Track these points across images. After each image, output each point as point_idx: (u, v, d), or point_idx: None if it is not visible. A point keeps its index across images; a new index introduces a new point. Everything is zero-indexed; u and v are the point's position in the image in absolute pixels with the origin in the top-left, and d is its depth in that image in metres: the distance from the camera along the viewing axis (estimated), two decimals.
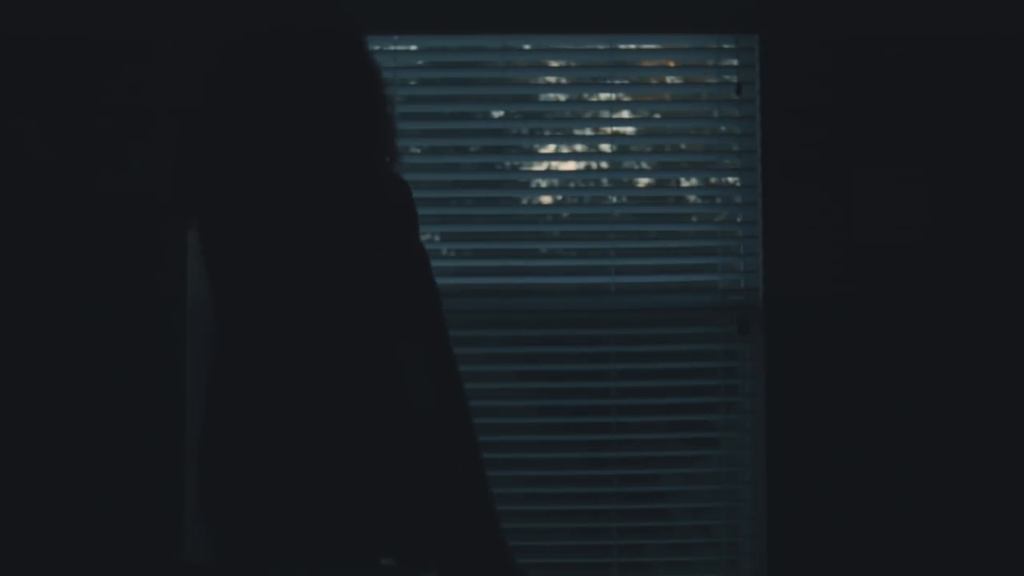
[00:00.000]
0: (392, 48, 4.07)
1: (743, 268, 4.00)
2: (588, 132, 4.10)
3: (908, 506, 3.80)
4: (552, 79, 4.16)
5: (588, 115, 4.15)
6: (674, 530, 4.02)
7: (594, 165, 4.15)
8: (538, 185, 4.16)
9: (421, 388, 2.19)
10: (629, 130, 4.15)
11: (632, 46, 4.12)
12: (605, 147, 4.08)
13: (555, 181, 4.16)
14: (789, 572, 3.82)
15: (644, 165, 4.21)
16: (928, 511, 3.80)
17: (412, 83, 4.11)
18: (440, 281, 2.42)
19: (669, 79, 4.15)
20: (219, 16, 3.95)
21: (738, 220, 4.03)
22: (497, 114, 4.08)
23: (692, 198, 4.16)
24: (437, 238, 4.00)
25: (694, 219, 4.16)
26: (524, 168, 4.16)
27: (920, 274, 3.86)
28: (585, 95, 4.14)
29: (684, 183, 4.15)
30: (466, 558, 2.19)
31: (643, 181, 4.14)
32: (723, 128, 4.06)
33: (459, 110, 4.05)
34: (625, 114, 4.15)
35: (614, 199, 4.01)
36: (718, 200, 4.10)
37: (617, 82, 4.10)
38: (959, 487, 3.80)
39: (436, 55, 4.15)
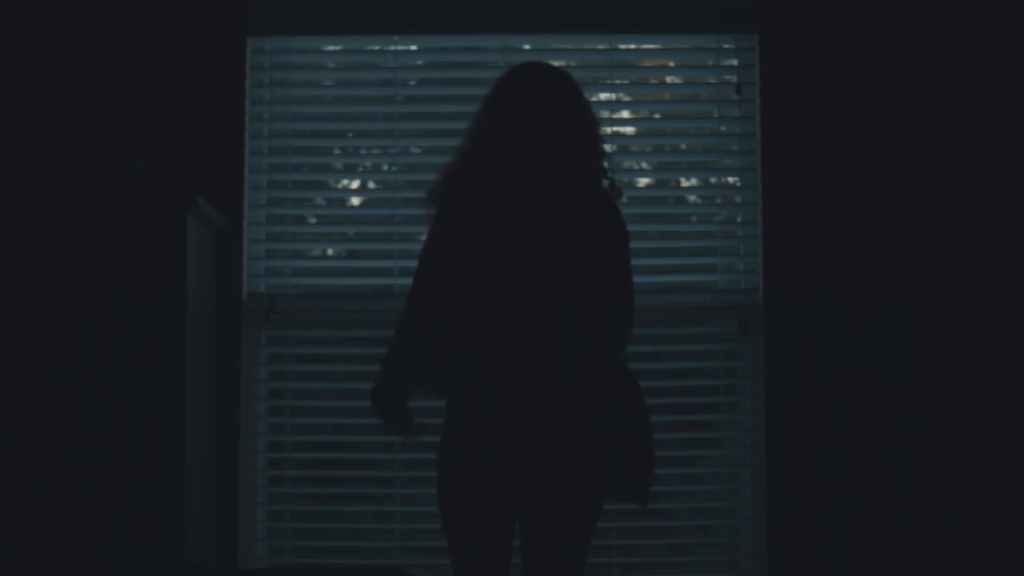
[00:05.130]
0: (392, 48, 4.07)
1: (743, 268, 4.00)
2: None
3: (907, 506, 3.80)
4: None
5: None
6: (674, 530, 4.01)
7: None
8: None
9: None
10: (629, 130, 4.16)
11: (632, 46, 4.12)
12: (605, 147, 4.07)
13: None
14: (789, 572, 3.82)
15: (644, 165, 4.21)
16: (928, 511, 3.80)
17: (412, 83, 4.11)
18: None
19: (669, 79, 4.15)
20: (218, 15, 3.95)
21: (738, 220, 4.03)
22: None
23: (692, 198, 4.16)
24: None
25: (694, 219, 4.16)
26: None
27: (920, 273, 3.85)
28: (585, 95, 4.13)
29: (684, 183, 4.15)
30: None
31: (643, 181, 4.14)
32: (723, 128, 4.06)
33: (459, 110, 4.05)
34: (625, 114, 4.15)
35: None
36: (718, 200, 4.10)
37: (617, 82, 4.10)
38: (959, 487, 3.80)
39: (436, 55, 4.15)
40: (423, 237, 2.91)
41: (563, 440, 2.71)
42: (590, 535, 2.79)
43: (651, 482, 2.79)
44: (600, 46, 4.08)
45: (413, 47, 4.11)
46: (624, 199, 4.00)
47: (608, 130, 4.07)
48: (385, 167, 4.13)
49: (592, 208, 2.80)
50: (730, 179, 4.06)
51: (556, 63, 4.10)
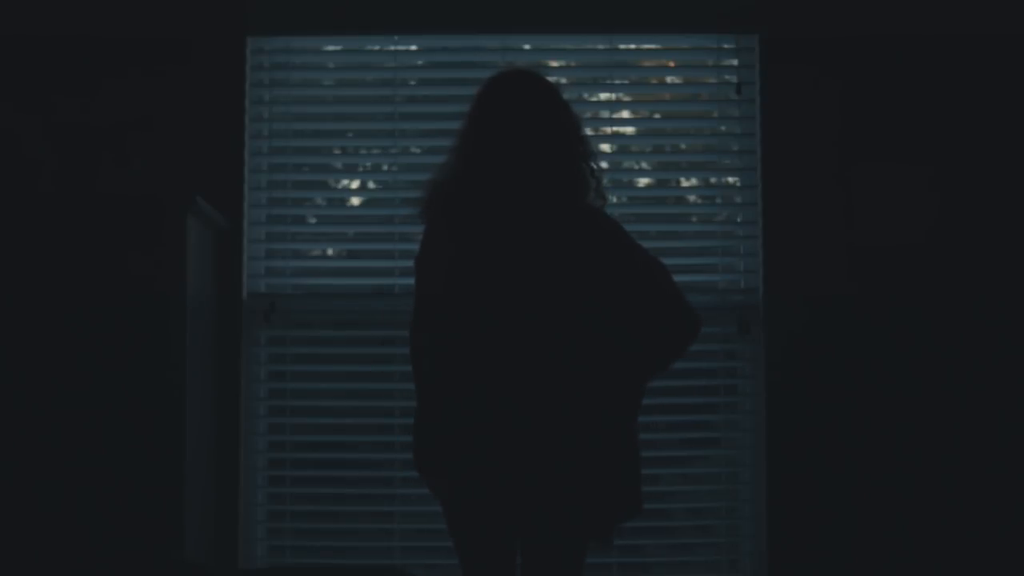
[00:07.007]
0: (392, 48, 4.07)
1: (743, 268, 4.00)
2: (588, 132, 4.09)
3: (907, 506, 3.80)
4: (552, 79, 4.14)
5: (588, 115, 4.14)
6: (674, 530, 4.01)
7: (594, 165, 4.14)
8: None
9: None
10: (629, 130, 4.16)
11: (632, 46, 4.12)
12: (605, 147, 4.08)
13: None
14: (789, 572, 3.82)
15: (644, 165, 4.21)
16: (928, 511, 3.80)
17: (412, 83, 4.11)
18: None
19: (669, 79, 4.15)
20: (218, 15, 3.95)
21: (738, 220, 4.03)
22: None
23: (692, 198, 4.16)
24: None
25: (694, 219, 4.15)
26: None
27: (920, 274, 3.85)
28: (585, 95, 4.14)
29: (684, 183, 4.15)
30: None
31: (643, 181, 4.14)
32: (723, 128, 4.06)
33: (459, 110, 4.03)
34: (625, 114, 4.15)
35: (614, 199, 4.00)
36: (718, 200, 4.10)
37: (617, 82, 4.10)
38: (959, 487, 3.80)
39: (436, 55, 4.15)
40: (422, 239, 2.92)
41: (554, 454, 2.69)
42: (585, 544, 2.79)
43: (612, 519, 2.77)
44: (600, 46, 4.08)
45: (413, 47, 4.11)
46: (624, 199, 4.04)
47: (608, 130, 4.09)
48: (385, 167, 4.13)
49: (574, 224, 2.81)
50: (730, 179, 4.06)
51: (556, 63, 4.14)
